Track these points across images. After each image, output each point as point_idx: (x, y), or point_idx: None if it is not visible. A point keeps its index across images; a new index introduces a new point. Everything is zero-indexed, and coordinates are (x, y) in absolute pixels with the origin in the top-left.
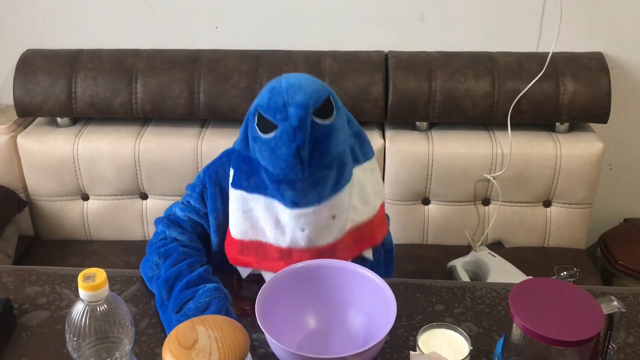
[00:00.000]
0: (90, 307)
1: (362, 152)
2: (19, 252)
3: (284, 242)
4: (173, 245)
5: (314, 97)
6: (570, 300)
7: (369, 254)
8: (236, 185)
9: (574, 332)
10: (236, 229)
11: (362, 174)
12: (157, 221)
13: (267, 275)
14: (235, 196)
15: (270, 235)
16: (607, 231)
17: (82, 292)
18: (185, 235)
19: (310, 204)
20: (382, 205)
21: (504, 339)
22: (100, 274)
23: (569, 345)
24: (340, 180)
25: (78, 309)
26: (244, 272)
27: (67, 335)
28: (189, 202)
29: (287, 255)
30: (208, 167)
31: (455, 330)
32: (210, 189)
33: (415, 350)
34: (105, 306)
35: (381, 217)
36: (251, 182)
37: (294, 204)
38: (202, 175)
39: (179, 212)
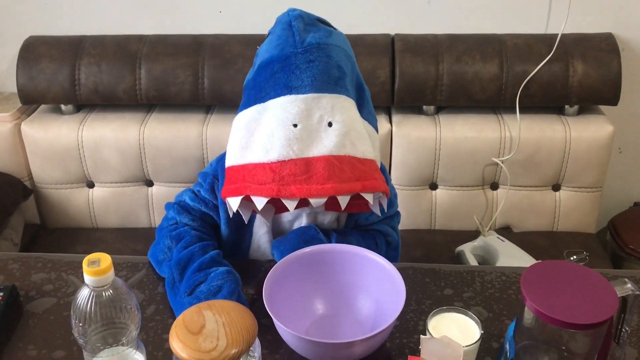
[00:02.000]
0: (95, 292)
1: (371, 119)
2: (25, 240)
3: (273, 152)
4: (185, 229)
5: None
6: (583, 282)
7: (369, 197)
8: (238, 113)
9: (587, 315)
10: (227, 158)
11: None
12: (168, 206)
13: (258, 201)
14: (234, 122)
15: (259, 150)
16: (616, 215)
17: (87, 277)
18: (196, 222)
19: (303, 89)
20: (386, 173)
21: (515, 323)
22: (105, 259)
23: (582, 329)
24: (340, 82)
25: (83, 294)
26: (234, 202)
27: (73, 321)
28: (199, 191)
29: (278, 171)
30: (222, 156)
31: (466, 315)
32: (221, 179)
33: (425, 335)
34: (111, 291)
35: (382, 178)
36: (250, 98)
37: (287, 87)
38: (215, 165)
39: (188, 201)
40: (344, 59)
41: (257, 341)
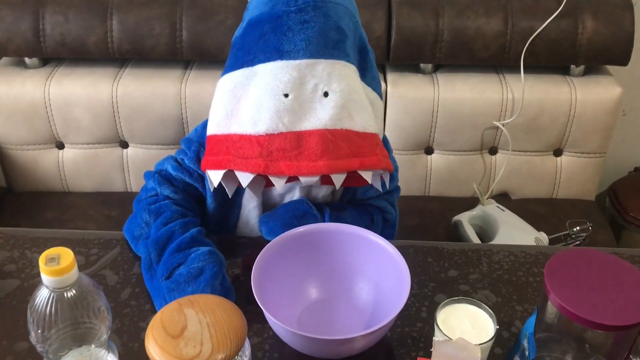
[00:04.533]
0: (56, 294)
1: (375, 86)
2: None
3: (261, 124)
4: (165, 203)
5: None
6: (614, 275)
7: (367, 176)
8: (222, 76)
9: (619, 314)
10: (210, 125)
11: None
12: (147, 175)
13: (243, 177)
14: (219, 85)
15: (246, 120)
16: (616, 181)
17: (45, 278)
18: (178, 194)
19: (296, 53)
20: (386, 142)
21: (536, 316)
22: (66, 255)
23: (612, 330)
24: (340, 46)
25: (42, 295)
26: (216, 176)
27: (30, 326)
28: (183, 160)
29: (266, 145)
30: (207, 122)
31: (479, 307)
32: None
33: (433, 328)
34: (74, 291)
35: (384, 150)
36: (237, 60)
37: (278, 51)
38: (201, 131)
39: (171, 170)
40: (345, 18)
41: (247, 343)
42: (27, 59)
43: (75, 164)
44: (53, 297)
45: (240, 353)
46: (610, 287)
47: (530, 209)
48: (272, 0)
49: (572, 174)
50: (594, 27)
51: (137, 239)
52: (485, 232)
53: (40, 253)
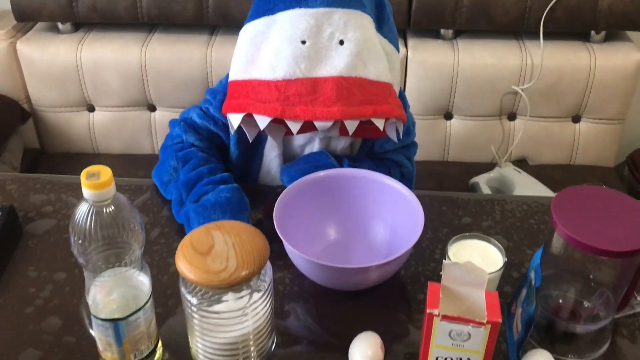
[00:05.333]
0: (95, 207)
1: (392, 38)
2: (25, 164)
3: (279, 69)
4: (192, 150)
5: None
6: (618, 208)
7: (379, 123)
8: (245, 25)
9: (622, 242)
10: (231, 72)
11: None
12: (173, 123)
13: (261, 120)
14: (241, 35)
15: (265, 67)
16: (636, 149)
17: (86, 191)
18: (203, 142)
19: (315, 2)
20: (401, 95)
21: (542, 251)
22: (105, 172)
23: (615, 256)
24: None
25: (82, 209)
26: (235, 119)
27: (72, 238)
28: (208, 109)
29: (284, 90)
30: None
31: (489, 242)
32: None
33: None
34: (112, 208)
35: (398, 100)
36: (259, 9)
37: (296, 0)
38: (225, 82)
39: (196, 118)
40: None
41: (269, 264)
42: (60, 25)
43: (105, 127)
44: (93, 210)
45: (262, 272)
46: (614, 218)
47: (548, 174)
48: None
49: (591, 141)
50: None
51: (166, 183)
52: (501, 193)
53: (74, 197)
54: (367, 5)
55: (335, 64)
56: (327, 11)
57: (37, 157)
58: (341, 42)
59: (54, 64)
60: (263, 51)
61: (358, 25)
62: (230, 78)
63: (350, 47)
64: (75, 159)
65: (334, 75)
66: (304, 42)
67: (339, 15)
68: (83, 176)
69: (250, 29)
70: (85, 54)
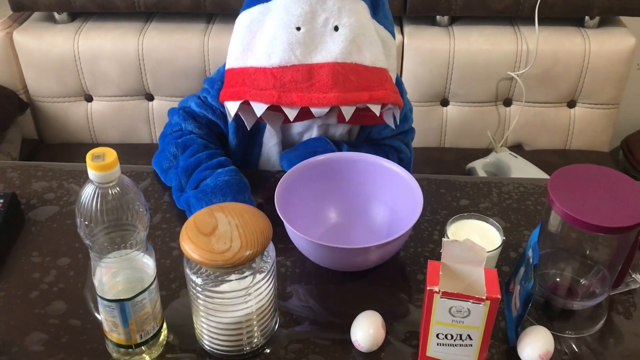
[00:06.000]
0: (101, 189)
1: (388, 25)
2: (23, 155)
3: (275, 57)
4: (191, 137)
5: None
6: (613, 186)
7: (376, 109)
8: (242, 9)
9: (617, 218)
10: (228, 60)
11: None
12: (172, 112)
13: (258, 107)
14: (237, 23)
15: (261, 54)
16: (630, 134)
17: (92, 173)
18: (202, 130)
19: None
20: (397, 82)
21: (539, 230)
22: (110, 153)
23: (610, 232)
24: None
25: (88, 191)
26: (233, 106)
27: (78, 220)
28: (206, 98)
29: (280, 77)
30: None
31: (487, 221)
32: None
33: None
34: (118, 189)
35: (394, 87)
36: None
37: None
38: (223, 71)
39: (194, 107)
40: None
41: (271, 245)
42: (56, 14)
43: (103, 116)
44: (98, 192)
45: (265, 253)
46: (610, 196)
47: (544, 159)
48: None
49: (586, 125)
50: None
51: (166, 170)
52: None
53: (75, 184)
54: None
55: (330, 50)
56: None
57: (36, 148)
58: (336, 28)
59: (51, 54)
60: (258, 38)
61: (352, 11)
62: (228, 66)
63: (345, 33)
64: (73, 149)
65: (330, 61)
66: (298, 29)
67: (333, 1)
68: (89, 158)
69: (246, 17)
70: (82, 43)
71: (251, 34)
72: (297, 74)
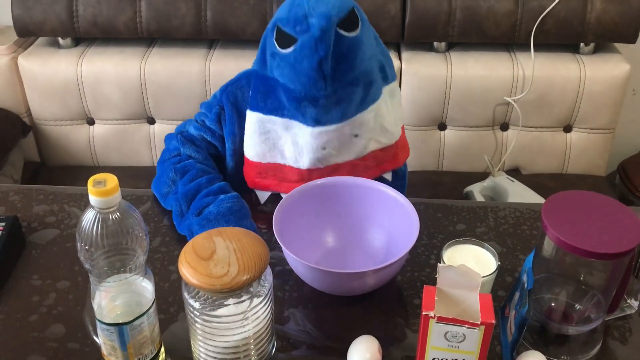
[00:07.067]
0: (101, 214)
1: (390, 72)
2: (25, 178)
3: (303, 163)
4: (190, 162)
5: (338, 8)
6: (606, 212)
7: (388, 175)
8: (253, 107)
9: (610, 244)
10: (253, 151)
11: (388, 95)
12: (169, 137)
13: (284, 195)
14: (252, 119)
15: (289, 156)
16: (627, 158)
17: (93, 198)
18: (200, 153)
19: (332, 122)
20: (403, 128)
21: (534, 255)
22: (111, 180)
23: (604, 258)
24: (366, 98)
25: (89, 216)
26: (263, 195)
27: (79, 244)
28: (203, 121)
29: (307, 176)
30: (225, 87)
31: (482, 246)
32: (227, 111)
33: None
34: (118, 214)
35: (404, 140)
36: (268, 103)
37: (316, 121)
38: (219, 96)
39: (192, 131)
40: (365, 60)
41: (269, 269)
42: (60, 40)
43: (105, 140)
44: (99, 217)
45: (262, 277)
46: (603, 221)
47: (540, 183)
48: (307, 83)
49: (582, 150)
50: (603, 5)
51: (165, 195)
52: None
53: (76, 207)
54: (376, 77)
55: (352, 150)
56: (345, 123)
57: (38, 170)
58: (356, 135)
59: (55, 78)
60: (284, 142)
61: (371, 117)
62: (256, 160)
63: (364, 135)
64: (75, 172)
65: (351, 159)
66: (324, 149)
67: (356, 119)
68: (90, 184)
69: (264, 123)
70: (85, 68)
71: (274, 139)
72: (322, 174)
